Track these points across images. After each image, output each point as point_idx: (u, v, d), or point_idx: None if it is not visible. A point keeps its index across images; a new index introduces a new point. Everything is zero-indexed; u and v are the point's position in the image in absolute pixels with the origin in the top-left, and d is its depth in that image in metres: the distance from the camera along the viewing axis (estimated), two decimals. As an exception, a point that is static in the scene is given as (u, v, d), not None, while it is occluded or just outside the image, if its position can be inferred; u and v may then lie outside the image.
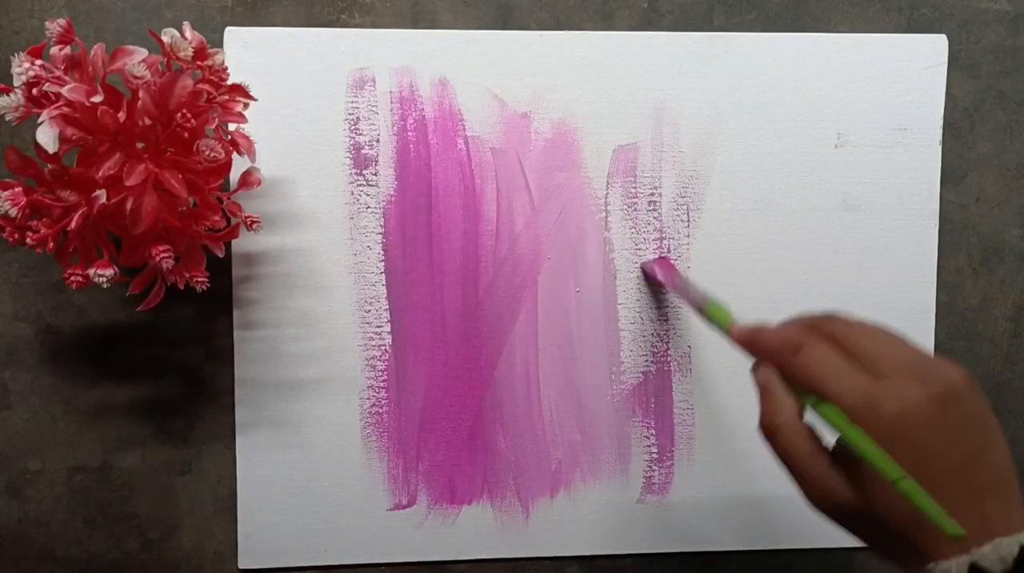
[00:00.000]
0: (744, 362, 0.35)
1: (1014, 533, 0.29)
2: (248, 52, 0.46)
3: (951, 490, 0.29)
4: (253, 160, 0.42)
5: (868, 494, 0.31)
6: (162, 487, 0.49)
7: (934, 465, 0.30)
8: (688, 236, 0.49)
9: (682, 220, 0.49)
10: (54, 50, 0.38)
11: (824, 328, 0.33)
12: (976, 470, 0.30)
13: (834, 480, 0.32)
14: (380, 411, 0.48)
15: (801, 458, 0.32)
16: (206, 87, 0.39)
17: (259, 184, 0.43)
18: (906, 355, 0.32)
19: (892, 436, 0.30)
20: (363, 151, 0.48)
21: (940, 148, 0.50)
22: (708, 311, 0.41)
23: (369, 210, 0.48)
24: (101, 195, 0.37)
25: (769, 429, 0.33)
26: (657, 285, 0.49)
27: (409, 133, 0.48)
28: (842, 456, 0.32)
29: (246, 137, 0.42)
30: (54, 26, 0.38)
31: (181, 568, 0.49)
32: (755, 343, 0.36)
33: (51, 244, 0.38)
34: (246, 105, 0.41)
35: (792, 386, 0.33)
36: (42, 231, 0.38)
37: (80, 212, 0.37)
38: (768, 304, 0.50)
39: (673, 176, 0.49)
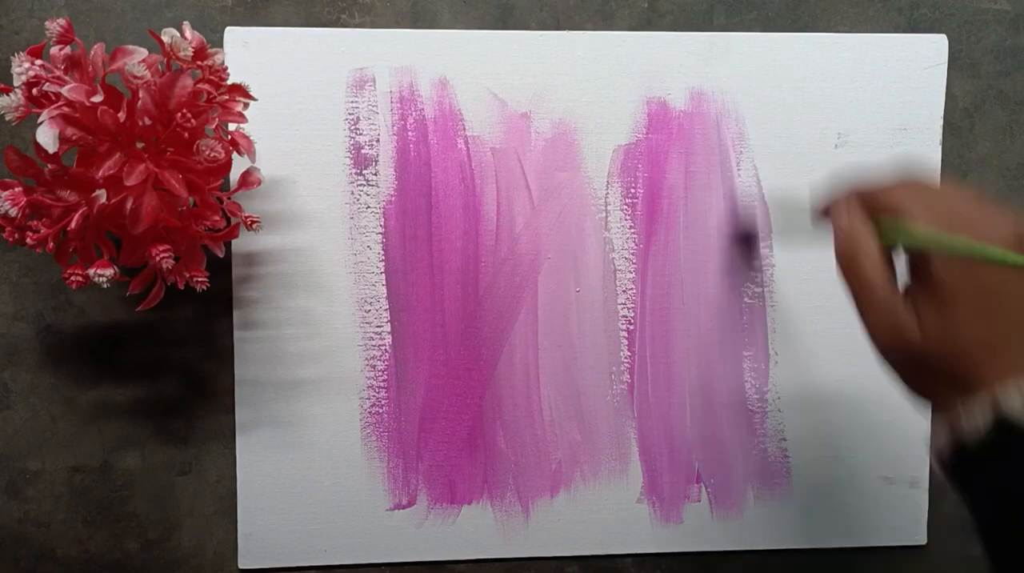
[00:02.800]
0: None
1: None
2: (248, 52, 0.46)
3: (1008, 335, 0.31)
4: (253, 160, 0.42)
5: (938, 330, 0.32)
6: (162, 487, 0.49)
7: (999, 307, 0.31)
8: (688, 238, 0.49)
9: (682, 220, 0.49)
10: (54, 50, 0.38)
11: (907, 176, 0.35)
12: None
13: (904, 312, 0.33)
14: (380, 411, 0.48)
15: (878, 287, 0.33)
16: (206, 87, 0.39)
17: (259, 184, 0.43)
18: (983, 204, 0.33)
19: (964, 273, 0.31)
20: (363, 151, 0.48)
21: (940, 148, 0.50)
22: (787, 208, 0.42)
23: (369, 210, 0.48)
24: (101, 195, 0.37)
25: (849, 257, 0.34)
26: (747, 239, 0.49)
27: (409, 133, 0.48)
28: (912, 296, 0.33)
29: (246, 137, 0.42)
30: (54, 26, 0.38)
31: (181, 568, 0.49)
32: (838, 189, 0.37)
33: (51, 244, 0.38)
34: (246, 105, 0.41)
35: (875, 220, 0.34)
36: (42, 231, 0.38)
37: (80, 212, 0.37)
38: (768, 302, 0.50)
39: (673, 175, 0.49)
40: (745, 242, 0.49)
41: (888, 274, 0.34)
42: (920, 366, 0.33)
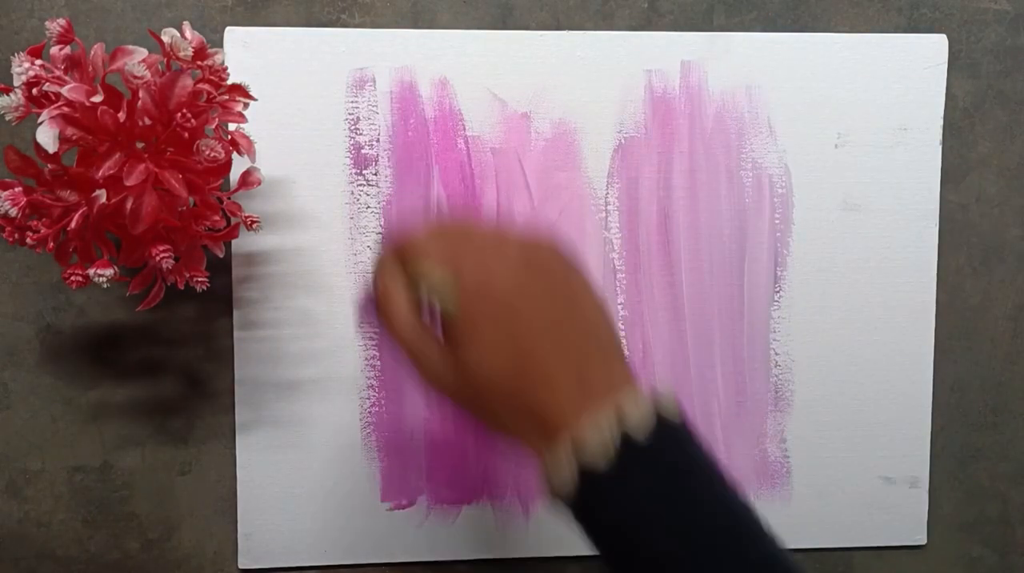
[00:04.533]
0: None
1: (614, 396, 0.30)
2: (248, 52, 0.46)
3: (544, 352, 0.30)
4: (253, 160, 0.42)
5: (467, 367, 0.32)
6: (162, 487, 0.49)
7: (522, 327, 0.31)
8: (689, 238, 0.49)
9: (683, 220, 0.49)
10: (54, 50, 0.38)
11: (438, 226, 0.34)
12: (567, 331, 0.31)
13: (440, 359, 0.32)
14: (380, 411, 0.48)
15: (408, 338, 0.33)
16: (206, 87, 0.39)
17: (259, 184, 0.43)
18: (496, 236, 0.33)
19: (478, 302, 0.31)
20: (363, 151, 0.48)
21: (940, 148, 0.50)
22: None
23: (369, 210, 0.48)
24: (101, 195, 0.37)
25: (383, 313, 0.33)
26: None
27: (409, 133, 0.48)
28: (448, 341, 0.33)
29: (246, 137, 0.42)
30: (54, 26, 0.38)
31: (181, 568, 0.49)
32: (388, 247, 0.36)
33: (51, 244, 0.38)
34: (246, 105, 0.41)
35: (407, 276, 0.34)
36: (42, 231, 0.38)
37: (80, 212, 0.37)
38: (770, 303, 0.50)
39: (673, 176, 0.49)
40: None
41: (418, 323, 0.33)
42: (482, 408, 0.32)
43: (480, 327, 0.31)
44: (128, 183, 0.37)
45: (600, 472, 0.29)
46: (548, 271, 0.32)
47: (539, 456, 0.31)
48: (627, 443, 0.29)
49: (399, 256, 0.34)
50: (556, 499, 0.31)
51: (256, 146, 0.42)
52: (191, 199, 0.40)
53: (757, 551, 0.29)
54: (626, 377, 0.31)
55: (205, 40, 0.40)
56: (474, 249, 0.32)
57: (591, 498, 0.30)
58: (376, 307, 0.34)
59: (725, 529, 0.29)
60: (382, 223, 0.48)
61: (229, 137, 0.41)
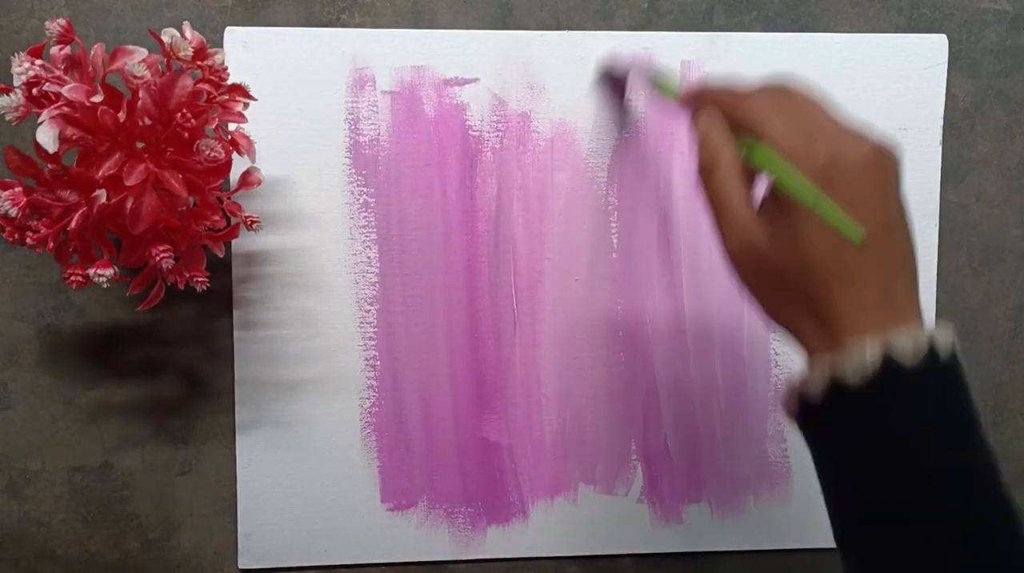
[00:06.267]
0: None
1: (907, 323, 0.30)
2: (248, 52, 0.46)
3: (862, 254, 0.30)
4: (253, 160, 0.42)
5: (787, 246, 0.31)
6: (162, 487, 0.49)
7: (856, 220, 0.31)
8: (688, 237, 0.49)
9: (683, 220, 0.49)
10: (54, 50, 0.38)
11: (775, 83, 0.34)
12: (891, 242, 0.31)
13: (758, 228, 0.32)
14: (380, 411, 0.48)
15: (733, 200, 0.33)
16: (206, 87, 0.39)
17: (259, 184, 0.43)
18: (845, 121, 0.32)
19: (820, 181, 0.30)
20: (363, 151, 0.48)
21: (940, 148, 0.50)
22: (659, 84, 0.42)
23: (369, 210, 0.48)
24: (101, 195, 0.37)
25: (707, 169, 0.33)
26: (617, 84, 0.48)
27: (409, 133, 0.48)
28: (766, 211, 0.33)
29: (246, 137, 0.42)
30: (54, 26, 0.38)
31: (181, 568, 0.49)
32: (703, 91, 0.36)
33: (51, 244, 0.38)
34: (246, 105, 0.41)
35: (732, 131, 0.34)
36: (42, 231, 0.38)
37: (80, 212, 0.37)
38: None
39: (673, 176, 0.49)
40: (614, 88, 0.48)
41: (744, 188, 0.33)
42: (772, 283, 0.32)
43: (805, 215, 0.31)
44: (128, 183, 0.37)
45: (869, 386, 0.29)
46: (890, 180, 0.31)
47: (810, 353, 0.32)
48: (898, 367, 0.29)
49: (729, 117, 0.33)
50: (808, 398, 0.31)
51: (256, 146, 0.42)
52: (191, 199, 0.40)
53: (991, 502, 0.29)
54: (917, 310, 0.31)
55: (205, 40, 0.40)
56: (827, 134, 0.31)
57: (859, 405, 0.30)
58: (699, 160, 0.34)
59: (967, 472, 0.29)
60: (382, 223, 0.48)
61: (229, 137, 0.41)
